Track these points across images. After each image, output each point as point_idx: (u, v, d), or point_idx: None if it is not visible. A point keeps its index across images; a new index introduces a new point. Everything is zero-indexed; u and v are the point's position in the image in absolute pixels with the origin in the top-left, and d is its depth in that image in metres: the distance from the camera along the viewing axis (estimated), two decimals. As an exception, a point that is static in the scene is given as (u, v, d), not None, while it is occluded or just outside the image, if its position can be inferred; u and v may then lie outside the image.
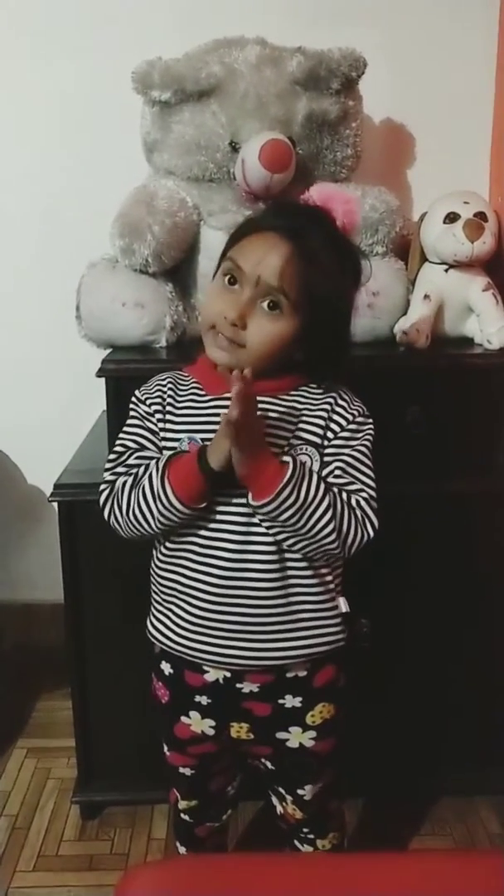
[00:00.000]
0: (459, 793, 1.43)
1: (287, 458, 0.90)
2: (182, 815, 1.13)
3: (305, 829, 1.10)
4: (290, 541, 0.91)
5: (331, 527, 0.90)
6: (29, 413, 1.73)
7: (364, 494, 0.94)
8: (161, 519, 0.92)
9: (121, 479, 0.96)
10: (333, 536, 0.90)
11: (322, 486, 0.91)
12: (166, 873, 0.70)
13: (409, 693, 1.33)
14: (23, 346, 1.71)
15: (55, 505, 1.26)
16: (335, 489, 0.93)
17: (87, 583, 1.28)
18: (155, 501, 0.91)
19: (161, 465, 0.92)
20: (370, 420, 0.97)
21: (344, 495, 0.93)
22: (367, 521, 0.93)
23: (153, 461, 0.94)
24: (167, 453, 0.94)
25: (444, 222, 1.28)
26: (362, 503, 0.93)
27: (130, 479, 0.95)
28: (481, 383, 1.27)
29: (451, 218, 1.27)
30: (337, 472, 0.94)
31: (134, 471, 0.96)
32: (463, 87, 1.57)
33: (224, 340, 0.92)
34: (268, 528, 0.91)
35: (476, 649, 1.32)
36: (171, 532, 0.95)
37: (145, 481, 0.92)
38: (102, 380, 1.22)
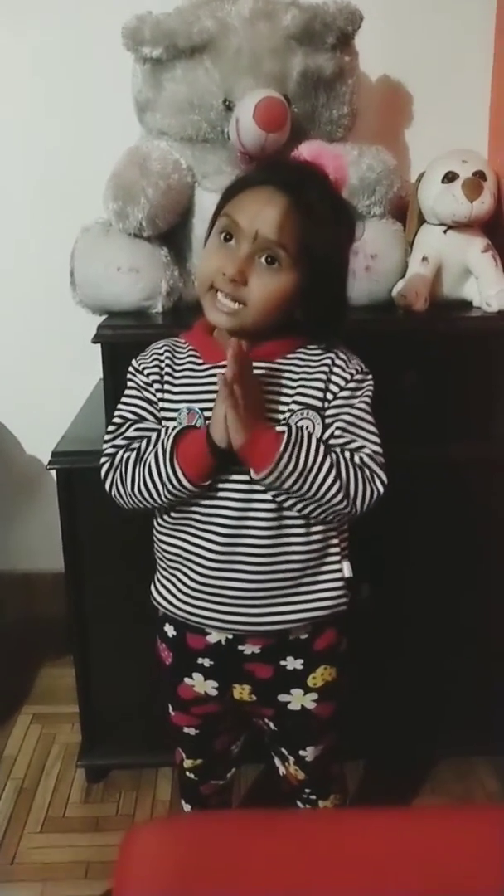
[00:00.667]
0: (458, 753, 1.45)
1: (282, 427, 0.90)
2: (187, 773, 1.15)
3: (307, 790, 1.12)
4: (299, 506, 0.91)
5: (335, 488, 0.90)
6: (25, 382, 1.72)
7: (367, 450, 0.94)
8: (168, 496, 0.92)
9: (122, 454, 0.96)
10: (340, 496, 0.91)
11: (321, 449, 0.90)
12: (169, 831, 0.72)
13: (409, 657, 1.34)
14: (17, 314, 1.69)
15: (54, 474, 1.26)
16: (337, 450, 0.93)
17: (87, 550, 1.29)
18: (162, 480, 0.91)
19: (168, 443, 0.91)
20: (369, 376, 0.96)
21: (347, 454, 0.93)
22: (375, 476, 0.93)
23: (155, 436, 0.94)
24: (170, 428, 0.93)
25: (443, 182, 1.26)
26: (366, 459, 0.93)
27: (133, 455, 0.94)
28: (480, 347, 1.26)
29: (450, 177, 1.25)
30: (337, 431, 0.94)
31: (135, 445, 0.95)
32: (462, 42, 1.53)
33: (224, 301, 0.90)
34: (274, 496, 0.91)
35: (474, 614, 1.33)
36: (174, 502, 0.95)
37: (151, 459, 0.92)
38: (99, 346, 1.21)
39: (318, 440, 0.92)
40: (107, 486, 0.97)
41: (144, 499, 0.94)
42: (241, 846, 0.66)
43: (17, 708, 1.62)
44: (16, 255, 1.66)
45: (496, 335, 1.27)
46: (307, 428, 0.92)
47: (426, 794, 1.40)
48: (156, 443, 0.93)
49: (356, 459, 0.93)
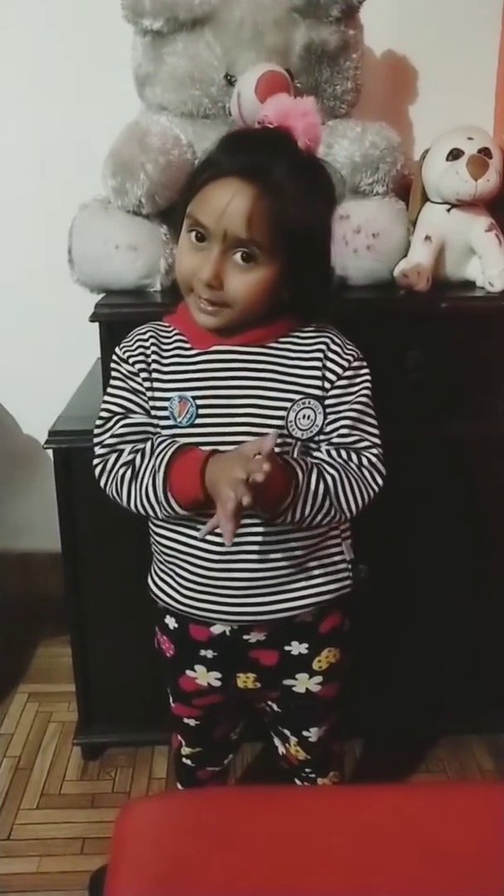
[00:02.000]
0: (453, 731, 1.46)
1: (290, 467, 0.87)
2: (184, 759, 1.15)
3: (307, 770, 1.12)
4: (303, 524, 0.90)
5: (331, 515, 0.90)
6: (22, 361, 1.71)
7: (374, 451, 0.93)
8: (166, 516, 0.91)
9: (115, 462, 0.93)
10: (337, 517, 0.91)
11: (327, 477, 0.88)
12: (165, 806, 0.72)
13: (405, 637, 1.34)
14: (15, 292, 1.67)
15: (51, 453, 1.25)
16: (343, 454, 0.91)
17: (84, 530, 1.28)
18: (159, 504, 0.89)
19: (160, 473, 0.88)
20: (365, 364, 0.94)
21: (359, 459, 0.92)
22: (375, 475, 0.93)
23: (149, 449, 0.91)
24: (164, 450, 0.89)
25: (447, 159, 1.23)
26: (373, 459, 0.93)
27: (129, 473, 0.91)
28: (482, 327, 1.25)
29: (455, 154, 1.23)
30: (344, 430, 0.92)
31: (128, 455, 0.92)
32: (469, 17, 1.51)
33: (207, 304, 0.87)
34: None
35: (472, 593, 1.33)
36: None
37: (147, 481, 0.89)
38: (96, 325, 1.20)
39: (324, 479, 0.89)
40: (102, 485, 0.95)
41: (142, 512, 0.93)
42: (237, 821, 0.66)
43: (14, 686, 1.63)
44: (13, 233, 1.64)
45: (499, 315, 1.25)
46: (309, 417, 0.90)
47: (422, 772, 1.41)
48: (149, 458, 0.90)
49: (363, 461, 0.92)
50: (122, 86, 1.36)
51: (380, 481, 0.93)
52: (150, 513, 0.91)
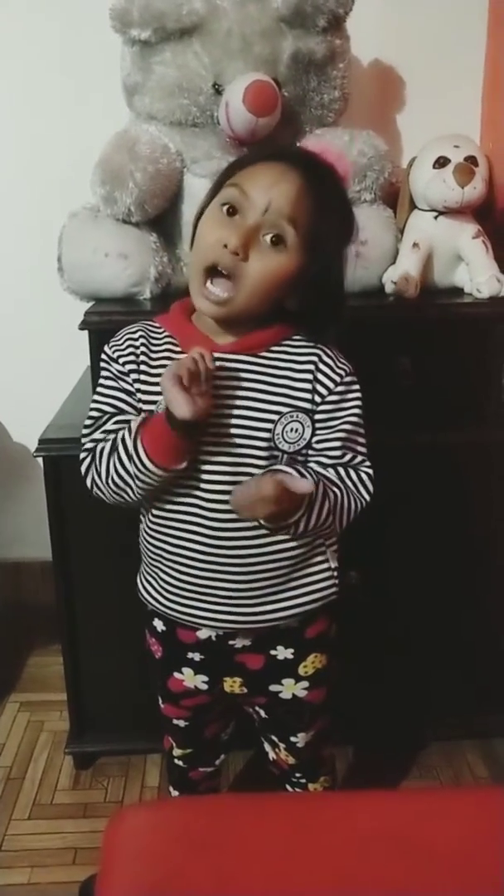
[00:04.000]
0: (447, 738, 1.46)
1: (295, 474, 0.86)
2: (176, 760, 1.15)
3: (297, 775, 1.12)
4: (302, 536, 0.91)
5: (329, 522, 0.90)
6: (12, 369, 1.71)
7: (364, 467, 0.94)
8: (140, 483, 0.88)
9: (100, 446, 0.93)
10: (335, 526, 0.92)
11: (330, 494, 0.89)
12: (155, 814, 0.71)
13: (397, 643, 1.34)
14: (4, 300, 1.67)
15: (41, 461, 1.25)
16: (341, 471, 0.92)
17: (74, 538, 1.28)
18: (131, 465, 0.87)
19: (134, 426, 0.88)
20: (355, 379, 0.93)
21: (352, 475, 0.92)
22: (363, 492, 0.93)
23: (128, 423, 0.91)
24: (143, 415, 0.91)
25: (434, 167, 1.25)
26: (363, 476, 0.93)
27: (108, 445, 0.91)
28: (471, 333, 1.26)
29: (441, 162, 1.24)
30: (336, 449, 0.92)
31: (112, 436, 0.92)
32: (455, 27, 1.52)
33: (213, 290, 0.85)
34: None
35: (464, 599, 1.34)
36: (156, 497, 0.93)
37: (120, 446, 0.89)
38: (86, 333, 1.20)
39: (325, 487, 0.89)
40: (87, 482, 0.94)
41: (120, 489, 0.90)
42: (227, 829, 0.66)
43: (6, 695, 1.62)
44: (2, 240, 1.64)
45: (487, 321, 1.26)
46: (297, 430, 0.90)
47: (415, 778, 1.41)
48: (126, 431, 0.90)
49: (353, 476, 0.93)
50: (111, 95, 1.36)
51: (367, 498, 0.94)
52: (128, 481, 0.88)
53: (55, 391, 1.42)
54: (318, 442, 0.92)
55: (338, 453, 0.92)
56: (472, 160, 1.24)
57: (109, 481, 0.91)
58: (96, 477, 0.93)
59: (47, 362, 1.65)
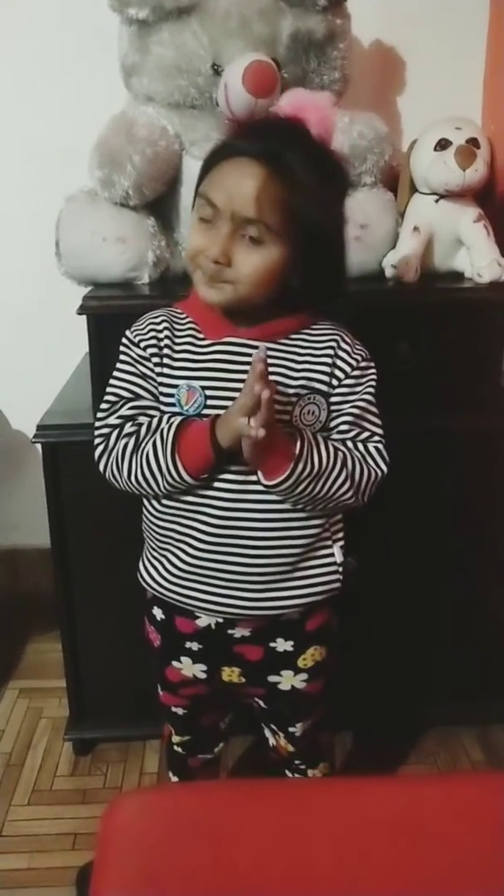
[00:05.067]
0: (443, 724, 1.47)
1: (293, 432, 0.88)
2: (175, 747, 1.15)
3: (297, 761, 1.12)
4: (308, 506, 0.91)
5: (346, 485, 0.90)
6: (10, 355, 1.70)
7: (375, 440, 0.94)
8: (167, 488, 0.91)
9: (117, 437, 0.92)
10: (350, 493, 0.91)
11: (332, 451, 0.89)
12: (152, 800, 0.71)
13: (395, 629, 1.34)
14: (2, 286, 1.66)
15: (39, 447, 1.24)
16: (349, 443, 0.92)
17: (72, 525, 1.28)
18: (162, 473, 0.89)
19: (168, 437, 0.88)
20: (372, 364, 0.95)
21: (360, 446, 0.93)
22: (378, 460, 0.94)
23: (155, 423, 0.91)
24: (167, 417, 0.90)
25: (435, 149, 1.23)
26: (371, 448, 0.94)
27: (131, 443, 0.91)
28: (471, 318, 1.24)
29: (443, 145, 1.23)
30: (344, 426, 0.93)
31: (131, 429, 0.92)
32: (457, 7, 1.50)
33: (211, 280, 0.87)
34: (283, 499, 0.90)
35: (462, 585, 1.34)
36: None
37: (149, 449, 0.89)
38: (84, 318, 1.19)
39: (328, 443, 0.90)
40: (101, 468, 0.94)
41: (141, 487, 0.92)
42: (225, 816, 0.66)
43: (5, 682, 1.62)
44: (0, 225, 1.62)
45: (487, 306, 1.25)
46: (314, 413, 0.91)
47: (412, 763, 1.41)
48: (154, 431, 0.90)
49: (363, 448, 0.93)
50: (109, 76, 1.34)
51: (383, 466, 0.94)
52: (151, 484, 0.90)
53: (53, 377, 1.41)
54: (330, 421, 0.93)
55: (345, 427, 0.93)
56: (473, 142, 1.23)
57: (132, 479, 0.92)
58: (115, 471, 0.93)
59: (45, 348, 1.63)
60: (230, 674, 1.01)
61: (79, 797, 1.35)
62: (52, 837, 1.27)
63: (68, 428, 1.23)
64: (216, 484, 0.90)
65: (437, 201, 1.26)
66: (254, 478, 0.89)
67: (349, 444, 0.93)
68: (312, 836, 0.65)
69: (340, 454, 0.90)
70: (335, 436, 0.93)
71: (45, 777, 1.39)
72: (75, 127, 1.32)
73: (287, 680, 1.01)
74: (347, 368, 0.92)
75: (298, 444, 0.86)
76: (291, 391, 0.91)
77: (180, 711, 1.09)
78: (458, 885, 0.63)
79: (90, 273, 1.27)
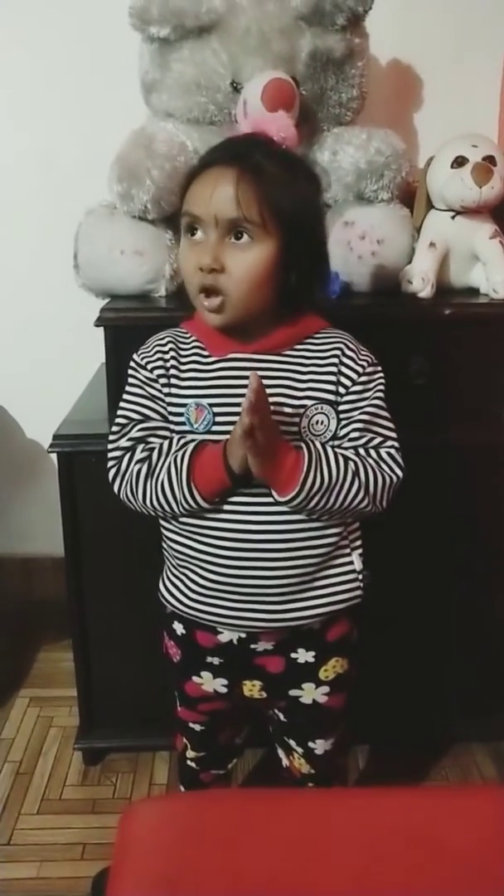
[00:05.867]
0: (456, 739, 1.46)
1: (300, 444, 0.89)
2: (189, 762, 1.15)
3: (310, 784, 1.11)
4: (324, 517, 0.91)
5: (360, 494, 0.90)
6: (27, 365, 1.71)
7: (388, 445, 0.94)
8: (182, 511, 0.92)
9: (129, 460, 0.94)
10: (365, 501, 0.91)
11: (342, 461, 0.90)
12: (168, 808, 0.71)
13: (407, 644, 1.34)
14: (20, 297, 1.68)
15: (54, 457, 1.26)
16: (361, 451, 0.92)
17: (87, 534, 1.28)
18: (176, 499, 0.90)
19: (182, 464, 0.89)
20: (379, 368, 0.95)
21: (372, 453, 0.93)
22: (392, 465, 0.94)
23: (166, 447, 0.92)
24: (180, 442, 0.91)
25: (452, 166, 1.24)
26: (384, 454, 0.94)
27: (144, 469, 0.92)
28: (486, 333, 1.25)
29: (459, 162, 1.23)
30: (355, 433, 0.93)
31: (143, 454, 0.93)
32: (473, 26, 1.51)
33: (208, 302, 0.88)
34: (298, 512, 0.91)
35: (476, 600, 1.33)
36: None
37: (164, 476, 0.90)
38: (101, 330, 1.20)
39: (337, 453, 0.90)
40: (115, 490, 0.96)
41: (157, 511, 0.94)
42: (241, 824, 0.66)
43: (16, 691, 1.62)
44: (19, 237, 1.64)
45: (502, 321, 1.25)
46: (322, 422, 0.92)
47: (423, 779, 1.40)
48: (166, 455, 0.91)
49: (374, 455, 0.93)
50: (128, 92, 1.36)
51: (398, 472, 0.94)
52: (166, 508, 0.92)
53: (69, 387, 1.43)
54: (339, 429, 0.93)
55: (356, 434, 0.93)
56: (490, 160, 1.23)
57: (147, 503, 0.93)
58: (129, 495, 0.95)
59: (62, 358, 1.65)
60: (251, 688, 1.01)
61: (88, 807, 1.35)
62: (61, 847, 1.27)
63: (84, 438, 1.24)
64: (232, 499, 0.91)
65: (453, 217, 1.27)
66: (264, 489, 0.90)
67: (361, 451, 0.93)
68: (327, 844, 0.65)
69: (351, 464, 0.90)
70: (346, 444, 0.93)
71: (54, 786, 1.39)
72: (95, 141, 1.34)
73: (308, 693, 1.01)
74: (354, 375, 0.93)
75: (306, 457, 0.87)
76: (298, 402, 0.91)
77: (198, 728, 1.08)
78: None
79: (108, 285, 1.28)
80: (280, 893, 0.60)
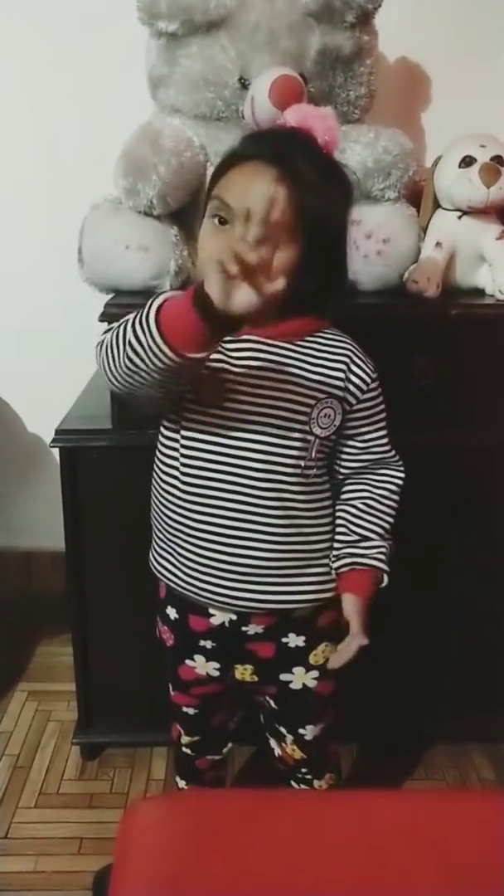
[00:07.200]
0: (453, 739, 1.46)
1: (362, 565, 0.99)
2: (183, 748, 1.15)
3: (303, 770, 1.12)
4: None
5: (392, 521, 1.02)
6: (29, 359, 1.71)
7: (390, 456, 1.01)
8: (151, 365, 0.77)
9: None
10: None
11: (383, 530, 1.01)
12: (171, 807, 0.72)
13: (405, 641, 1.34)
14: (23, 291, 1.67)
15: (56, 452, 1.25)
16: (373, 485, 1.01)
17: (88, 529, 1.28)
18: (144, 348, 0.77)
19: (151, 308, 0.77)
20: (378, 380, 0.98)
21: (382, 479, 1.01)
22: (398, 475, 1.02)
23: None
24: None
25: (460, 166, 1.24)
26: (392, 472, 1.01)
27: (119, 327, 0.82)
28: (491, 334, 1.25)
29: (467, 162, 1.23)
30: (366, 455, 0.99)
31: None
32: (482, 25, 1.51)
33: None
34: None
35: (475, 600, 1.33)
36: (186, 473, 0.93)
37: (134, 318, 0.79)
38: (105, 325, 1.20)
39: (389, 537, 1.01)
40: (99, 359, 0.85)
41: (131, 370, 0.80)
42: (243, 823, 0.66)
43: (14, 684, 1.63)
44: (23, 231, 1.64)
45: (507, 323, 1.25)
46: (329, 416, 0.94)
47: (420, 779, 1.40)
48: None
49: (384, 479, 1.01)
50: (135, 86, 1.36)
51: (402, 476, 1.02)
52: (140, 366, 0.79)
53: (71, 382, 1.42)
54: (356, 438, 0.99)
55: (367, 458, 1.00)
56: (498, 160, 1.23)
57: (121, 366, 0.81)
58: (106, 361, 0.83)
59: (65, 353, 1.65)
60: (243, 672, 1.02)
61: (85, 801, 1.35)
62: (58, 841, 1.27)
63: (86, 433, 1.23)
64: (240, 475, 0.91)
65: (459, 217, 1.26)
66: (266, 474, 0.91)
67: (387, 483, 1.01)
68: (329, 845, 0.65)
69: (385, 523, 1.01)
70: (355, 464, 1.00)
71: (52, 780, 1.40)
72: (101, 136, 1.34)
73: (299, 678, 1.02)
74: (363, 385, 0.96)
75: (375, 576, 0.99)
76: (309, 392, 0.92)
77: (191, 711, 1.09)
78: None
79: (112, 280, 1.28)
80: (281, 893, 0.61)
